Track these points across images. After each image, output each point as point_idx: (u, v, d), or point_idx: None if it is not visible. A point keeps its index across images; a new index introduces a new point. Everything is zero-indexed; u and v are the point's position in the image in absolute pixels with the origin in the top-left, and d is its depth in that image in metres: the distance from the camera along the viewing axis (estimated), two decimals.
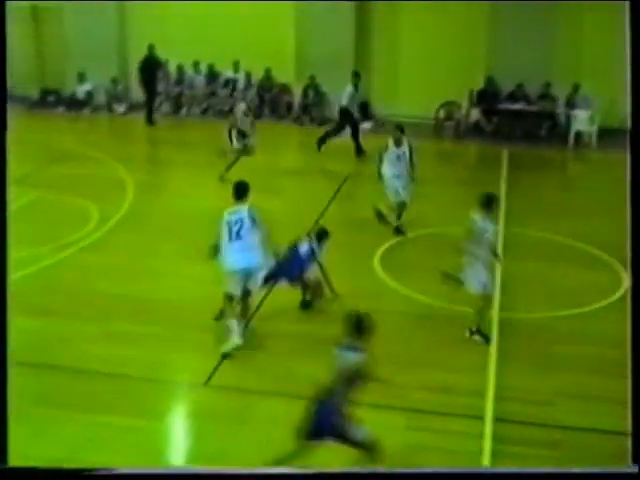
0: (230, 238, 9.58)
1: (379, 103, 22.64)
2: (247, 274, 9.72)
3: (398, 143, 13.33)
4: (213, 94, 22.79)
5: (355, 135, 18.88)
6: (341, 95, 18.93)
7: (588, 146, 20.32)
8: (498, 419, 8.20)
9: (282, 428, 7.74)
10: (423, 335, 10.12)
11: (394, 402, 8.53)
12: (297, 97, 22.34)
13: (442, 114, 21.25)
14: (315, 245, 10.69)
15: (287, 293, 10.64)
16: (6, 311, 4.62)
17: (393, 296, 11.10)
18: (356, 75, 19.17)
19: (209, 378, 9.01)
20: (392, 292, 11.24)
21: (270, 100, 22.69)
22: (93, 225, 13.37)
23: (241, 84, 22.44)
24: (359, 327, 7.04)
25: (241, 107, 16.86)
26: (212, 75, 22.82)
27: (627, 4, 4.30)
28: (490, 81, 21.16)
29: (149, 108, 21.45)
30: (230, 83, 22.63)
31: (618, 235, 13.94)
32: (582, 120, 20.39)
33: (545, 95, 20.92)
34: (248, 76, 22.43)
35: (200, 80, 22.86)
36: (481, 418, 8.20)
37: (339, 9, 21.30)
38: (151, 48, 21.16)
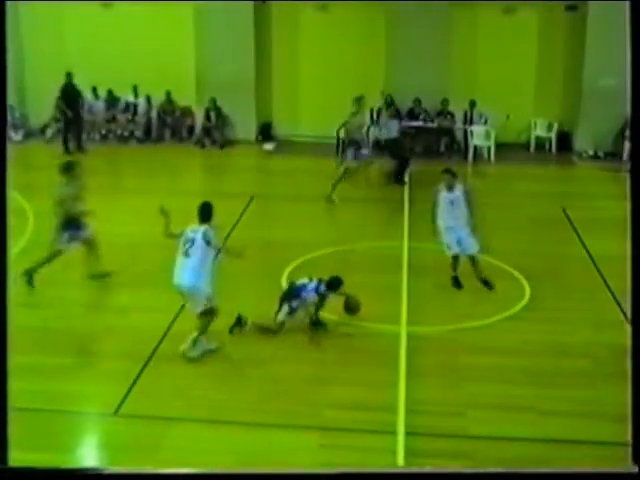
0: (180, 253, 9.75)
1: (280, 124, 22.77)
2: (184, 292, 9.82)
3: (450, 187, 11.91)
4: (113, 119, 22.53)
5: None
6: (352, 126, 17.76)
7: (486, 161, 20.84)
8: (410, 433, 8.28)
9: (194, 454, 7.69)
10: (334, 352, 10.16)
11: (306, 421, 8.55)
12: (199, 120, 22.25)
13: (343, 133, 21.44)
14: (323, 290, 10.67)
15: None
16: (6, 311, 4.51)
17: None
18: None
19: (118, 407, 8.86)
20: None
21: (171, 123, 22.57)
22: None
23: (141, 108, 22.25)
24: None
25: None
26: (111, 100, 22.57)
27: (627, 4, 4.42)
28: (389, 98, 21.48)
29: (66, 136, 21.00)
30: (130, 107, 22.43)
31: (518, 247, 14.38)
32: (479, 135, 20.91)
33: (442, 111, 21.37)
34: (148, 100, 22.26)
35: (99, 105, 22.57)
36: (393, 433, 8.26)
37: (239, 31, 21.35)
38: (69, 75, 20.68)
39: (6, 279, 4.60)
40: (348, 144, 17.37)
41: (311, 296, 10.59)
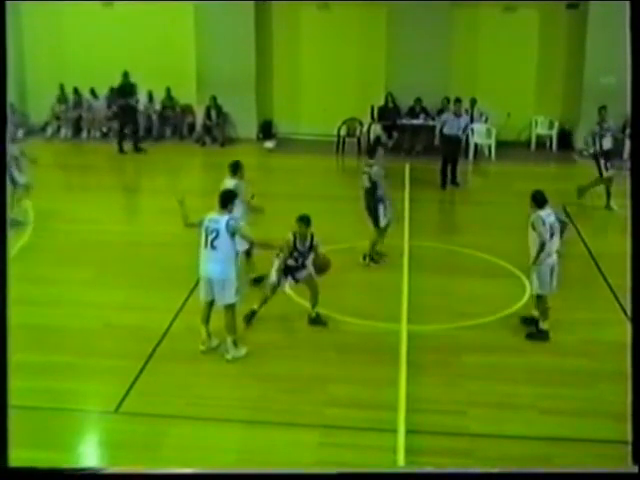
0: (205, 245, 9.64)
1: (281, 122, 22.78)
2: (214, 284, 9.75)
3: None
4: (114, 117, 22.50)
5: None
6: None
7: (487, 159, 20.83)
8: (410, 431, 8.27)
9: (194, 452, 7.70)
10: (334, 350, 10.16)
11: (307, 419, 8.55)
12: (199, 118, 22.25)
13: (344, 131, 21.47)
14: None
15: (198, 315, 10.57)
16: (6, 311, 4.51)
17: (303, 313, 11.10)
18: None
19: (119, 405, 8.86)
20: (302, 309, 11.24)
21: (172, 121, 22.57)
22: None
23: (142, 106, 22.24)
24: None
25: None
26: (112, 98, 22.54)
27: (627, 4, 4.41)
28: (390, 97, 21.47)
29: (121, 136, 20.87)
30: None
31: (519, 245, 14.41)
32: (480, 134, 20.90)
33: (443, 110, 21.33)
34: (149, 97, 22.25)
35: (99, 103, 22.57)
36: (394, 431, 8.26)
37: (239, 29, 21.35)
38: (126, 75, 20.55)
39: (6, 278, 4.60)
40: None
41: (289, 239, 10.47)
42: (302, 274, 10.68)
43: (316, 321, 10.77)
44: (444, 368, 9.73)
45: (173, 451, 7.98)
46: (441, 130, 17.98)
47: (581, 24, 20.76)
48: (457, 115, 18.03)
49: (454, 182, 18.05)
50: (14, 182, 14.21)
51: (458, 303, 11.68)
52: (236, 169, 11.76)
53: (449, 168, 17.94)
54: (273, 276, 10.57)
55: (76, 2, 21.26)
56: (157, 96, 22.34)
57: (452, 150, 17.94)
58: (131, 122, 20.92)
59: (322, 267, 10.62)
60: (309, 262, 10.55)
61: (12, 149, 14.36)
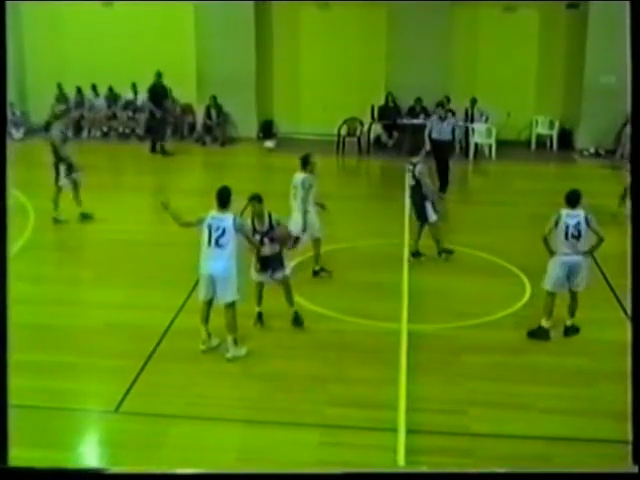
0: (209, 243, 9.61)
1: (281, 121, 22.78)
2: (217, 282, 9.75)
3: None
4: (114, 116, 22.54)
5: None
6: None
7: (487, 158, 20.83)
8: (410, 430, 8.27)
9: (194, 451, 7.70)
10: (334, 350, 10.16)
11: (307, 419, 8.55)
12: (200, 117, 22.25)
13: (344, 130, 21.47)
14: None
15: (198, 314, 10.57)
16: (6, 310, 4.52)
17: (303, 313, 11.09)
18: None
19: (119, 404, 8.86)
20: (302, 309, 11.23)
21: (172, 121, 22.55)
22: None
23: (140, 102, 22.22)
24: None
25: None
26: (112, 97, 22.58)
27: (627, 4, 4.41)
28: (390, 97, 21.48)
29: (156, 136, 20.80)
30: (131, 105, 22.43)
31: (519, 244, 14.35)
32: (480, 133, 20.91)
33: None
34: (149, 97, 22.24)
35: (100, 102, 22.58)
36: (394, 430, 8.26)
37: (240, 29, 21.35)
38: (159, 75, 20.52)
39: (6, 278, 4.60)
40: None
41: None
42: (279, 274, 10.55)
43: (295, 321, 10.72)
44: (444, 368, 9.73)
45: (173, 451, 7.98)
46: (430, 135, 17.38)
47: (581, 24, 20.75)
48: (442, 119, 17.54)
49: (442, 189, 17.20)
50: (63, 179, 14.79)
51: (458, 303, 11.67)
52: (306, 163, 11.99)
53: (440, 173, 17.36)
54: (252, 274, 10.51)
55: (76, 2, 21.25)
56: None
57: (442, 155, 17.34)
58: (163, 125, 20.86)
59: (283, 239, 10.41)
60: (270, 239, 10.32)
61: (64, 150, 14.80)
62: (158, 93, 20.65)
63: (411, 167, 12.98)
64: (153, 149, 20.70)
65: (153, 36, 21.74)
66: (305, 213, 11.94)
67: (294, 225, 11.71)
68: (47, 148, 14.99)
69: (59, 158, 14.64)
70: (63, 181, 14.75)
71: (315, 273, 12.34)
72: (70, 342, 10.27)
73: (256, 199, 10.26)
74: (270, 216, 10.36)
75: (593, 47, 20.27)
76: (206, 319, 10.01)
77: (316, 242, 12.30)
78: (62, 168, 14.68)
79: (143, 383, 9.27)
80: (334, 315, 10.99)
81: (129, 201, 15.10)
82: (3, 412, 4.62)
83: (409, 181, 13.12)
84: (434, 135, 17.31)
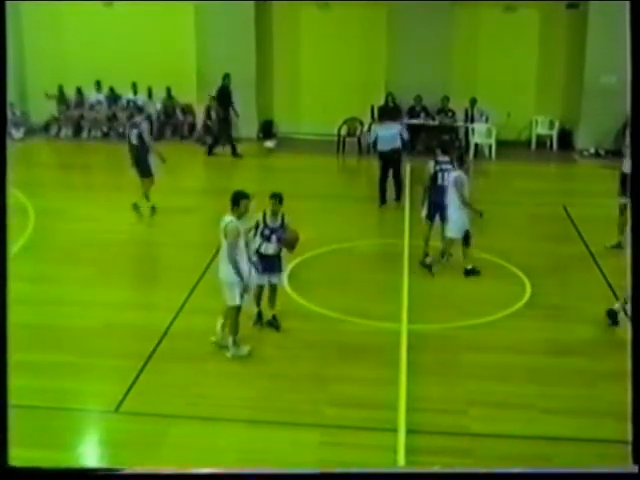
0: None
1: (281, 121, 22.78)
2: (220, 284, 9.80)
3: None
4: (114, 117, 22.53)
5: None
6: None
7: (487, 159, 20.84)
8: (410, 430, 8.27)
9: (194, 452, 7.70)
10: (334, 350, 10.16)
11: (307, 419, 8.55)
12: (200, 118, 22.24)
13: (344, 131, 21.46)
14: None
15: (198, 314, 10.57)
16: (6, 310, 4.52)
17: (303, 313, 11.12)
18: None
19: (119, 404, 8.86)
20: (302, 309, 11.26)
21: (172, 121, 22.56)
22: None
23: (141, 102, 22.21)
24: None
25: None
26: (113, 97, 22.57)
27: (627, 4, 4.41)
28: (390, 97, 21.46)
29: (216, 138, 20.73)
30: (131, 105, 22.40)
31: (519, 244, 14.36)
32: (480, 133, 20.91)
33: (443, 109, 21.36)
34: (149, 97, 22.24)
35: (101, 100, 22.58)
36: (394, 430, 8.26)
37: (240, 29, 21.34)
38: (227, 77, 20.42)
39: (6, 278, 4.60)
40: None
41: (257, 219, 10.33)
42: (275, 278, 10.48)
43: (271, 323, 10.62)
44: (444, 368, 9.74)
45: (173, 451, 7.98)
46: (375, 145, 16.41)
47: (581, 24, 20.75)
48: (386, 128, 16.47)
49: (398, 198, 16.54)
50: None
51: (458, 303, 11.68)
52: (461, 162, 12.24)
53: (391, 183, 16.56)
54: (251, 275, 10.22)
55: (76, 2, 21.25)
56: (157, 96, 22.32)
57: (390, 165, 16.30)
58: (230, 129, 20.78)
59: (291, 241, 10.35)
60: (278, 239, 10.26)
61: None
62: (225, 95, 20.54)
63: (448, 165, 12.68)
64: (210, 152, 20.60)
65: (153, 36, 21.72)
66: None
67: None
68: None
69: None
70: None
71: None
72: (70, 342, 10.27)
73: (277, 198, 10.28)
74: (283, 217, 10.35)
75: (593, 47, 20.27)
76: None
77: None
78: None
79: (143, 383, 9.27)
80: (334, 315, 10.99)
81: (129, 201, 15.06)
82: (3, 412, 4.62)
83: (446, 179, 12.61)
84: (380, 147, 16.23)
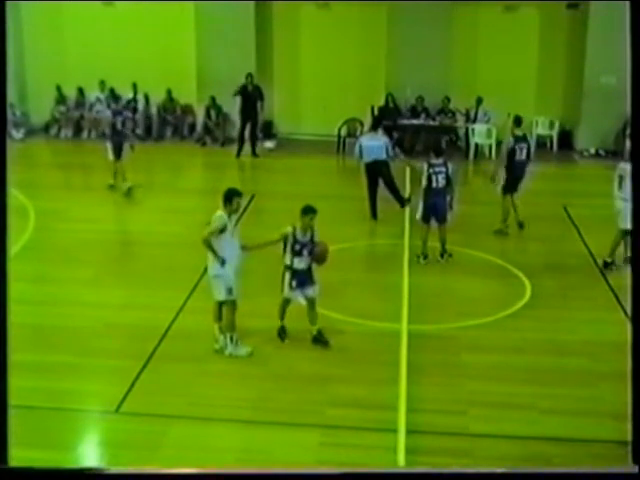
0: None
1: (281, 122, 22.78)
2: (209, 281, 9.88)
3: None
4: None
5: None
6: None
7: (487, 159, 20.82)
8: (410, 431, 8.27)
9: (194, 452, 7.70)
10: (335, 350, 10.16)
11: (307, 419, 8.55)
12: (200, 118, 22.25)
13: (344, 131, 21.47)
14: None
15: (198, 315, 10.57)
16: (6, 310, 4.52)
17: (303, 313, 11.09)
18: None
19: (119, 405, 8.86)
20: (302, 309, 11.24)
21: (172, 121, 22.57)
22: None
23: (141, 106, 22.24)
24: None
25: None
26: (113, 97, 22.54)
27: (627, 4, 4.41)
28: (390, 97, 21.47)
29: (241, 139, 20.61)
30: (131, 106, 22.41)
31: (519, 245, 14.37)
32: (481, 133, 20.91)
33: (444, 109, 21.36)
34: (147, 98, 22.25)
35: (102, 101, 22.57)
36: (394, 431, 8.26)
37: (240, 29, 21.34)
38: (250, 77, 20.45)
39: (6, 278, 4.60)
40: None
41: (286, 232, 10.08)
42: (310, 291, 10.22)
43: (318, 339, 10.31)
44: (444, 368, 9.74)
45: (173, 451, 7.98)
46: (360, 155, 15.43)
47: (581, 24, 20.75)
48: (371, 138, 15.68)
49: (402, 205, 15.72)
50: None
51: (458, 303, 11.68)
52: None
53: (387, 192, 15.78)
54: (286, 290, 10.18)
55: (76, 2, 21.25)
56: (157, 97, 22.32)
57: (378, 176, 15.45)
58: (254, 127, 20.76)
59: (322, 255, 10.12)
60: (309, 253, 10.04)
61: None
62: (249, 95, 20.48)
63: (442, 168, 12.74)
64: (239, 153, 20.55)
65: (153, 36, 21.74)
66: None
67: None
68: None
69: None
70: None
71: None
72: (70, 342, 10.27)
73: (313, 213, 10.02)
74: (313, 230, 10.12)
75: (593, 47, 20.28)
76: (218, 318, 10.04)
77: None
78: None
79: (143, 383, 9.27)
80: (334, 315, 10.99)
81: (128, 201, 15.10)
82: (3, 412, 4.62)
83: (440, 182, 12.68)
84: (365, 159, 15.35)
